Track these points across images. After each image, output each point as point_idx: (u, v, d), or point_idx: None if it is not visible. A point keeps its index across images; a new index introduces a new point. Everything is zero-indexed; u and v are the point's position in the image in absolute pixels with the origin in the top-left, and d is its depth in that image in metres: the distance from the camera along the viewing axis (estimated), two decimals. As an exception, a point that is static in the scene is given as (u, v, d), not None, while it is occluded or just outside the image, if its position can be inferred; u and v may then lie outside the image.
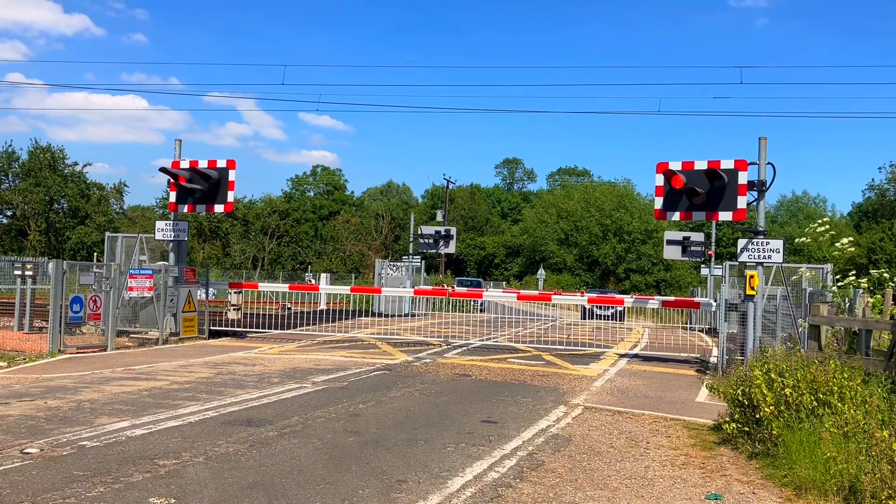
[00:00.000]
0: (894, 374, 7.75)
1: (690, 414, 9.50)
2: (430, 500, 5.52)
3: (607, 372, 13.34)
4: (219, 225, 63.25)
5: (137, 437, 7.04)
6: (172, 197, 16.89)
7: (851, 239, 14.57)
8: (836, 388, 7.06)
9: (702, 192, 13.37)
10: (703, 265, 37.31)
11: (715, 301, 20.03)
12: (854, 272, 13.65)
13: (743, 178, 13.29)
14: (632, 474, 6.50)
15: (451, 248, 31.47)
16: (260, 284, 23.46)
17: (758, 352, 11.34)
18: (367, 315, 27.54)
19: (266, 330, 18.83)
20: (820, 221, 14.35)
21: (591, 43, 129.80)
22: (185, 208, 16.91)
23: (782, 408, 7.11)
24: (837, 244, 13.79)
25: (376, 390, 10.31)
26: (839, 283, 13.69)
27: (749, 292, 12.90)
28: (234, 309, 23.66)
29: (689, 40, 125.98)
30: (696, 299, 24.80)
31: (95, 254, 47.73)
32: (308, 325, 19.74)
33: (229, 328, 18.67)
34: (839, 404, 6.83)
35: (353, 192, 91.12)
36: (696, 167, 13.58)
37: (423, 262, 35.42)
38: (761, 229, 13.35)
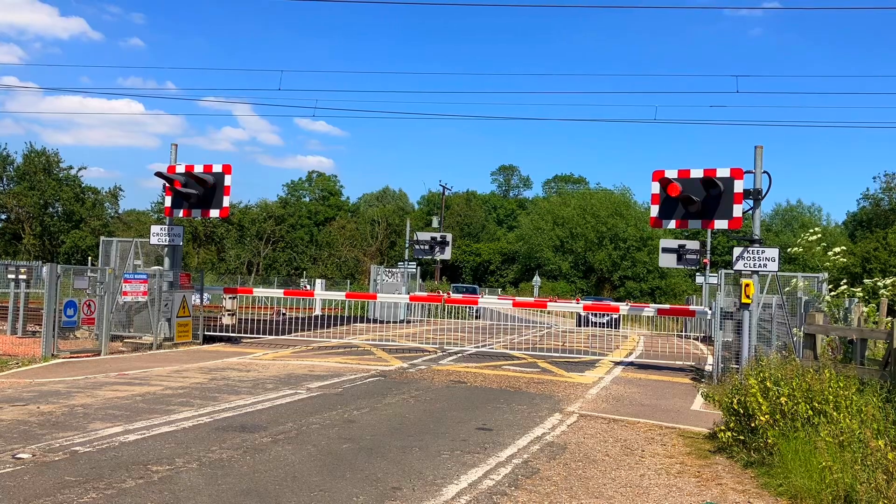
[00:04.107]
0: (889, 383, 7.76)
1: (686, 422, 9.49)
2: (425, 508, 5.49)
3: (602, 379, 13.33)
4: (214, 230, 63.19)
5: (131, 443, 7.00)
6: (168, 201, 16.86)
7: (844, 248, 14.57)
8: (831, 398, 7.07)
9: (697, 200, 13.39)
10: (697, 273, 37.40)
11: (710, 309, 20.05)
12: (846, 281, 13.68)
13: (739, 186, 13.31)
14: (627, 482, 6.49)
15: (447, 255, 31.55)
16: (255, 290, 23.42)
17: (753, 360, 11.35)
18: (362, 321, 27.50)
19: (261, 335, 18.78)
20: (811, 231, 14.36)
21: (588, 51, 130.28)
22: (181, 213, 16.87)
23: (777, 416, 7.11)
24: (829, 253, 13.80)
25: (371, 397, 10.28)
26: (832, 293, 13.71)
27: (744, 301, 12.91)
28: (229, 314, 23.63)
29: (684, 49, 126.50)
30: (692, 307, 24.84)
31: (90, 258, 47.59)
32: (303, 330, 19.69)
33: (224, 333, 18.61)
34: (834, 413, 6.84)
35: (348, 198, 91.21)
36: (692, 175, 13.60)
37: (419, 268, 35.40)
38: (757, 238, 13.37)
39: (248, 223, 67.88)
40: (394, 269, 32.16)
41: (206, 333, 17.47)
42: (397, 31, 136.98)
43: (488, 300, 27.99)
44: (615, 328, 28.57)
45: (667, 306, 24.64)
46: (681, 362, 16.74)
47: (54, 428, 7.48)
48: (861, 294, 12.97)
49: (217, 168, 16.57)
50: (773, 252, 13.10)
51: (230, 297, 24.02)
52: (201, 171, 16.53)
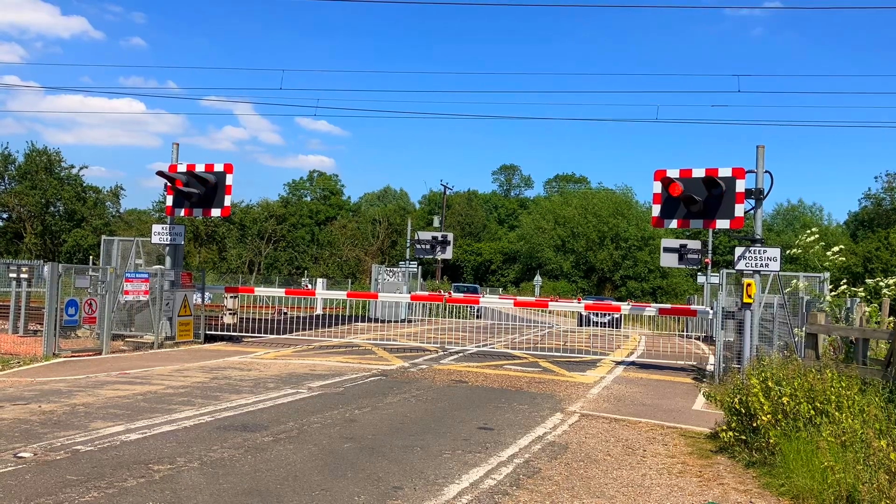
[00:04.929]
0: (892, 383, 7.74)
1: (687, 422, 9.48)
2: (427, 508, 5.49)
3: (604, 379, 13.32)
4: (215, 229, 63.19)
5: (132, 442, 6.99)
6: (169, 200, 16.86)
7: (842, 247, 14.54)
8: (833, 397, 7.06)
9: (699, 199, 13.38)
10: (699, 273, 37.35)
11: (711, 309, 20.03)
12: (846, 281, 13.65)
13: (741, 186, 13.29)
14: (629, 482, 6.48)
15: (448, 254, 31.54)
16: (256, 289, 23.43)
17: (754, 360, 11.33)
18: (363, 320, 27.50)
19: (262, 335, 18.78)
20: (809, 231, 14.33)
21: (589, 51, 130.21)
22: (182, 212, 16.88)
23: (779, 416, 7.09)
24: (828, 253, 13.79)
25: (372, 396, 10.28)
26: (833, 293, 13.69)
27: (746, 300, 12.89)
28: (230, 313, 23.64)
29: (686, 49, 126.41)
30: (693, 307, 24.82)
31: (91, 257, 47.64)
32: (304, 329, 19.69)
33: (225, 332, 18.61)
34: (836, 413, 6.82)
35: (349, 198, 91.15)
36: (693, 175, 13.58)
37: (420, 267, 35.38)
38: (759, 237, 13.35)
39: (249, 222, 67.90)
40: (395, 269, 32.15)
41: (207, 332, 17.47)
42: (398, 30, 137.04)
43: (489, 300, 27.98)
44: (616, 328, 28.55)
45: (668, 306, 24.61)
46: (682, 362, 16.73)
47: (56, 427, 7.48)
48: (863, 294, 12.95)
49: (218, 167, 16.57)
50: (775, 252, 13.08)
51: (231, 297, 24.03)
52: (203, 170, 16.53)
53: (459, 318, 30.53)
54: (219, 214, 16.98)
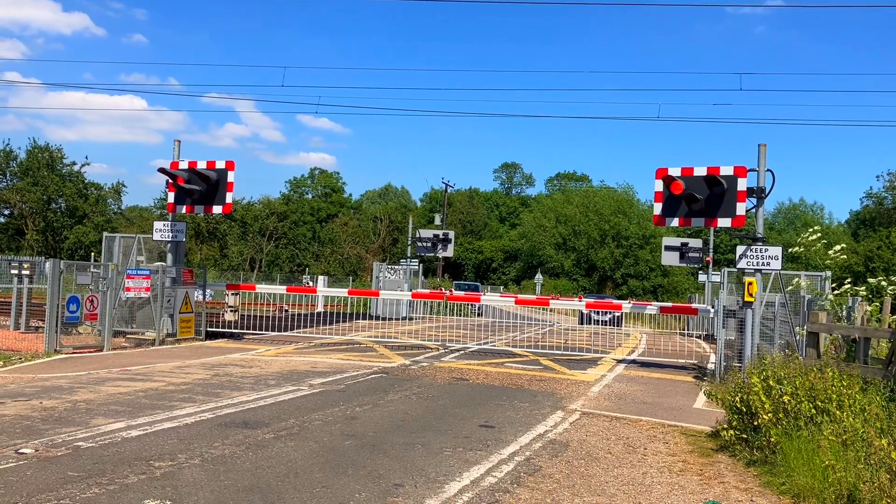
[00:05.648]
0: (893, 382, 7.74)
1: (688, 420, 9.48)
2: (427, 505, 5.49)
3: (605, 377, 13.32)
4: (217, 226, 63.22)
5: (133, 439, 7.00)
6: (171, 198, 16.85)
7: (844, 246, 14.51)
8: (834, 396, 7.05)
9: (701, 198, 13.36)
10: (700, 271, 37.35)
11: (713, 307, 20.01)
12: (850, 280, 13.62)
13: (742, 184, 13.27)
14: (629, 480, 6.48)
15: (450, 252, 31.55)
16: (257, 286, 23.44)
17: (756, 359, 11.33)
18: (364, 318, 27.51)
19: (263, 332, 18.79)
20: (812, 230, 14.31)
21: (591, 49, 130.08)
22: (184, 209, 16.88)
23: (780, 415, 7.09)
24: (830, 252, 13.76)
25: (373, 393, 10.28)
26: (836, 292, 13.66)
27: (747, 299, 12.88)
28: (232, 310, 23.61)
29: (688, 47, 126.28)
30: (694, 305, 24.80)
31: (93, 254, 47.66)
32: (305, 327, 19.70)
33: (226, 329, 18.62)
34: (838, 412, 6.82)
35: (351, 195, 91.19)
36: (695, 173, 13.56)
37: (421, 265, 35.39)
38: (760, 236, 13.34)
39: (250, 220, 67.95)
40: (396, 266, 32.16)
41: (208, 329, 17.49)
42: (400, 28, 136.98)
43: (490, 298, 27.96)
44: (617, 326, 28.52)
45: (669, 304, 24.61)
46: (683, 360, 16.72)
47: (57, 423, 7.49)
48: (864, 293, 12.93)
49: (220, 164, 16.56)
50: (776, 251, 13.07)
51: (233, 294, 24.02)
52: (204, 167, 16.53)
53: (460, 315, 30.52)
54: (220, 211, 16.99)
